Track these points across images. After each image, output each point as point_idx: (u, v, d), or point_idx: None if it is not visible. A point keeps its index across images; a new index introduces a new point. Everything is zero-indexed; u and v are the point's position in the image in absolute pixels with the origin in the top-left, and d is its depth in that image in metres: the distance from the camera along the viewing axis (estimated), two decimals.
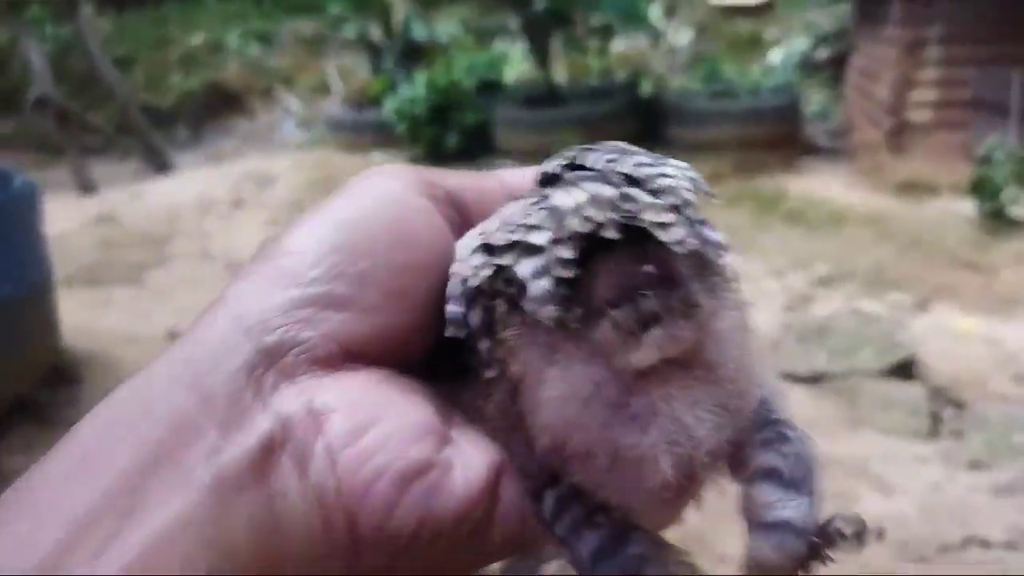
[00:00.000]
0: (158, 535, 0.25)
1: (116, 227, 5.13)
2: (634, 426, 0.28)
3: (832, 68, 7.56)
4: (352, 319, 0.30)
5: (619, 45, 8.12)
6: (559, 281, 0.27)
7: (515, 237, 0.29)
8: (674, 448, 0.28)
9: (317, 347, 0.29)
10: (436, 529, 0.28)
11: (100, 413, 0.28)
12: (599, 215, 0.27)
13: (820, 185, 5.58)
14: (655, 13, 7.74)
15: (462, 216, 0.33)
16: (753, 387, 0.31)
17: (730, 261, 0.29)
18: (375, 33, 8.12)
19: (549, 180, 0.31)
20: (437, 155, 6.57)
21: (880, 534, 0.29)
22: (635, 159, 0.30)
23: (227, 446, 0.27)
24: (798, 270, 4.05)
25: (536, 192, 0.31)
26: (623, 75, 7.68)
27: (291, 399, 0.28)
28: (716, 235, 0.29)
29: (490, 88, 7.23)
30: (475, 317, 0.30)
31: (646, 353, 0.27)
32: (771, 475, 0.30)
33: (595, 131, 5.91)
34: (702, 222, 0.28)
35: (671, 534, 0.31)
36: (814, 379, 2.96)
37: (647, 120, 6.53)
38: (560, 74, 7.43)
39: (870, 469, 2.45)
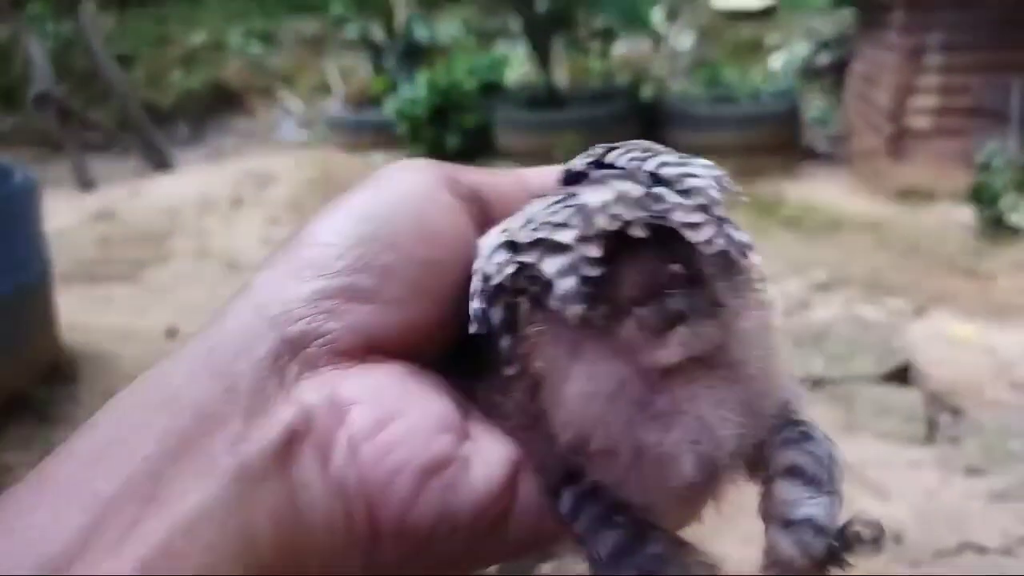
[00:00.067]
0: (181, 523, 0.25)
1: (115, 224, 5.12)
2: (658, 424, 0.28)
3: (833, 74, 7.56)
4: (376, 312, 0.30)
5: (620, 48, 8.12)
6: (585, 279, 0.27)
7: (540, 235, 0.28)
8: (697, 447, 0.28)
9: (340, 339, 0.29)
10: (454, 524, 0.28)
11: (122, 401, 0.28)
12: (627, 213, 0.27)
13: (819, 191, 5.59)
14: (657, 17, 7.74)
15: (483, 213, 0.33)
16: (776, 388, 0.31)
17: (755, 261, 0.29)
18: (377, 33, 8.12)
19: (573, 178, 0.31)
20: (437, 156, 6.44)
21: (898, 539, 0.29)
22: (661, 158, 0.30)
23: (251, 435, 0.27)
24: (796, 275, 4.05)
25: (561, 190, 0.30)
26: (624, 78, 7.68)
27: (314, 390, 0.28)
28: (742, 235, 0.29)
29: (491, 90, 7.23)
30: (496, 314, 0.30)
31: (671, 352, 0.27)
32: (794, 473, 0.30)
33: (595, 134, 5.88)
34: (728, 221, 0.28)
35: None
36: (811, 384, 2.96)
37: (647, 124, 6.54)
38: (561, 76, 7.42)
39: (866, 474, 2.45)
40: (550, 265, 0.28)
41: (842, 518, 0.30)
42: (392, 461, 0.28)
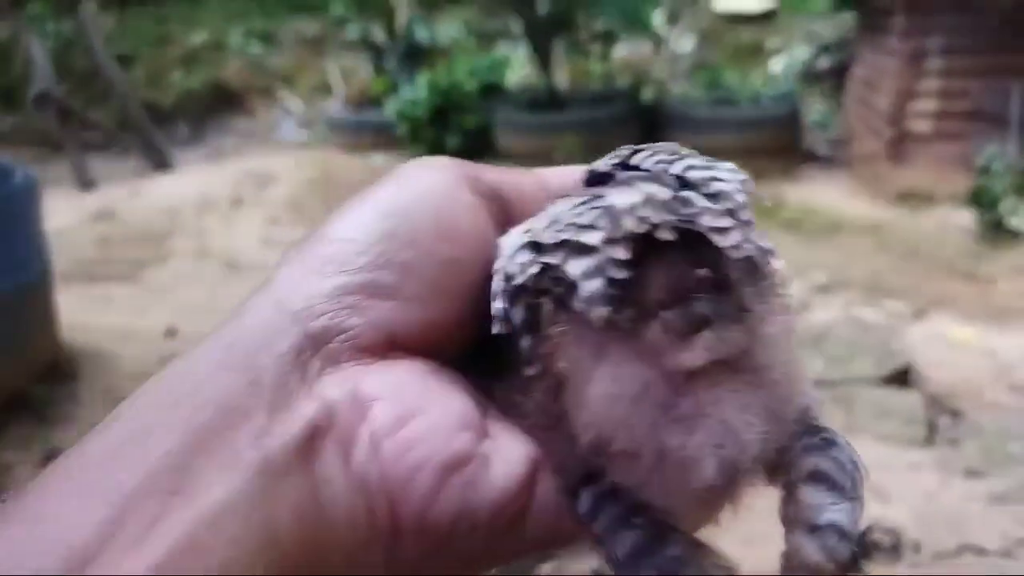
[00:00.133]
0: (204, 517, 0.25)
1: (115, 224, 5.12)
2: (681, 427, 0.28)
3: (833, 78, 7.58)
4: (397, 308, 0.30)
5: (621, 51, 8.13)
6: (612, 281, 0.27)
7: (566, 236, 0.28)
8: (720, 451, 0.28)
9: (362, 335, 0.29)
10: (473, 521, 0.28)
11: (145, 395, 0.28)
12: (655, 216, 0.27)
13: (819, 194, 5.60)
14: (657, 19, 7.75)
15: (503, 212, 0.33)
16: (798, 393, 0.31)
17: (778, 266, 0.30)
18: (377, 34, 8.13)
19: (598, 179, 0.31)
20: None
21: (916, 548, 0.29)
22: (687, 161, 0.30)
23: (274, 429, 0.27)
24: (796, 277, 4.06)
25: (585, 191, 0.30)
26: (625, 81, 7.69)
27: (336, 385, 0.28)
28: (765, 241, 0.29)
29: (492, 91, 7.24)
30: (518, 314, 0.30)
31: (696, 355, 0.28)
32: (818, 478, 0.30)
33: (595, 136, 5.93)
34: (752, 225, 0.28)
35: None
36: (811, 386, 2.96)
37: (648, 126, 6.55)
38: (562, 79, 7.43)
39: (866, 476, 2.45)
40: (575, 267, 0.28)
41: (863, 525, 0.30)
42: (413, 457, 0.28)
